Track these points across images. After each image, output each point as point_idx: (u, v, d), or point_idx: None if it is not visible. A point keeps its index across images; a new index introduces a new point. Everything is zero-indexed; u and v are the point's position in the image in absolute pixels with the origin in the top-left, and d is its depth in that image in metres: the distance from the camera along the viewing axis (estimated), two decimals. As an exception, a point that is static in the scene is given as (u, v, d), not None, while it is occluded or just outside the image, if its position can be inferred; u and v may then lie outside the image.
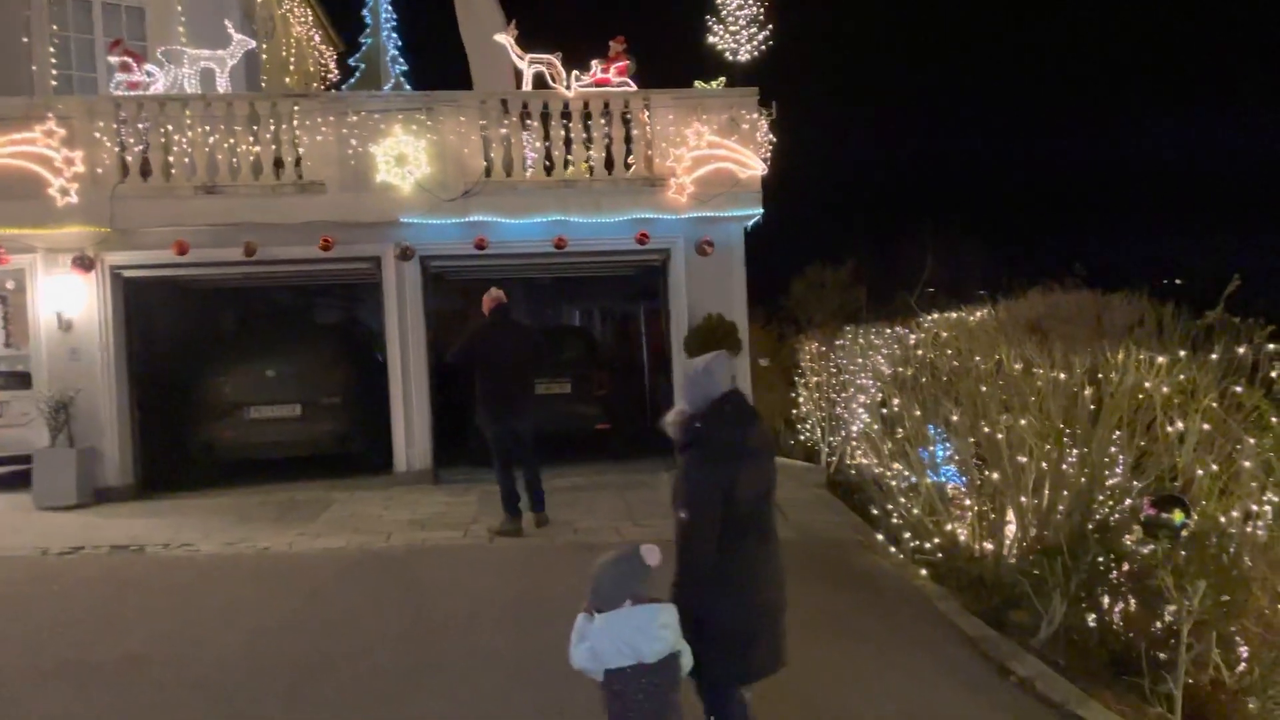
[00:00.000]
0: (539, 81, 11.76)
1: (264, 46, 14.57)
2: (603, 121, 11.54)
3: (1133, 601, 6.02)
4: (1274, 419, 6.09)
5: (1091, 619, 6.09)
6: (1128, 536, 6.20)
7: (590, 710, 3.79)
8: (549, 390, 11.62)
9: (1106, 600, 6.15)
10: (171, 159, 10.99)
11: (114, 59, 11.49)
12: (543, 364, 9.19)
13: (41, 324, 11.07)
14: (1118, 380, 6.91)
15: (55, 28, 13.21)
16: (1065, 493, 6.71)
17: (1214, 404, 6.64)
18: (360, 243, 11.41)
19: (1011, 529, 7.16)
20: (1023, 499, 6.91)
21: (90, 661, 5.98)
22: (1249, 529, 5.82)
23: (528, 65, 11.79)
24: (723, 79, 12.22)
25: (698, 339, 11.47)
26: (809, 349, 13.44)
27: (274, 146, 11.20)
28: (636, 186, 11.58)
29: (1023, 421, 6.86)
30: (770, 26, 12.22)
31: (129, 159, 10.93)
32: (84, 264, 10.90)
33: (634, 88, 11.74)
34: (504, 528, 8.77)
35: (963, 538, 7.61)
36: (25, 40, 13.02)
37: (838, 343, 11.97)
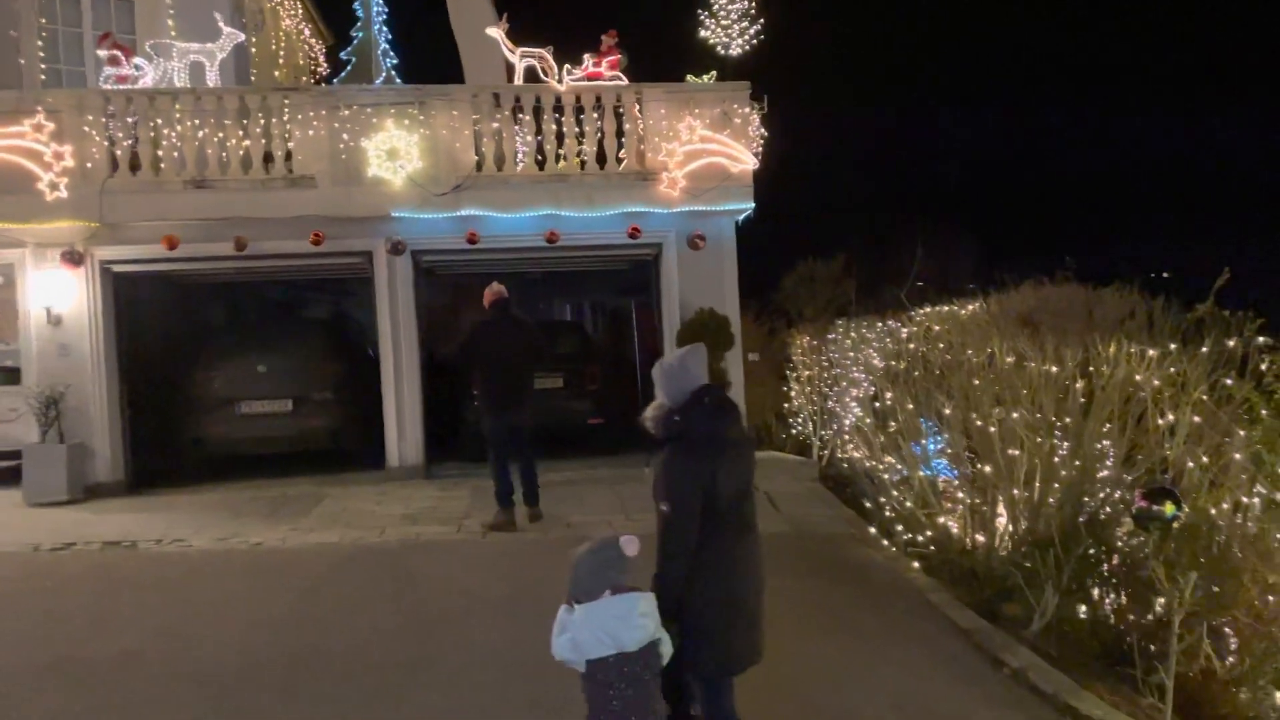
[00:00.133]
0: (531, 75, 11.73)
1: (253, 40, 14.49)
2: (595, 115, 11.52)
3: (1124, 593, 6.07)
4: (1264, 411, 6.13)
5: (1082, 610, 6.13)
6: (1119, 529, 6.25)
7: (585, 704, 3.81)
8: (541, 385, 11.58)
9: (1098, 592, 6.19)
10: (161, 153, 10.93)
11: (103, 52, 11.41)
12: (542, 358, 9.21)
13: (31, 319, 11.02)
14: (1109, 373, 6.95)
15: (43, 21, 13.10)
16: (1057, 485, 6.75)
17: (1204, 397, 6.69)
18: (351, 237, 11.38)
19: (1002, 521, 7.21)
20: (1015, 492, 6.95)
21: (85, 657, 5.96)
22: (1238, 521, 5.87)
23: (519, 59, 11.77)
24: (714, 73, 12.22)
25: (690, 334, 11.48)
26: (800, 343, 13.47)
27: (264, 141, 11.15)
28: (628, 181, 11.57)
29: (1015, 415, 6.90)
30: (762, 21, 12.20)
31: (118, 153, 10.86)
32: (73, 259, 10.84)
33: (626, 82, 11.74)
34: (496, 520, 8.78)
35: (955, 531, 7.65)
36: (13, 34, 12.92)
37: (829, 337, 12.00)
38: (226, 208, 10.96)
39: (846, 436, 10.31)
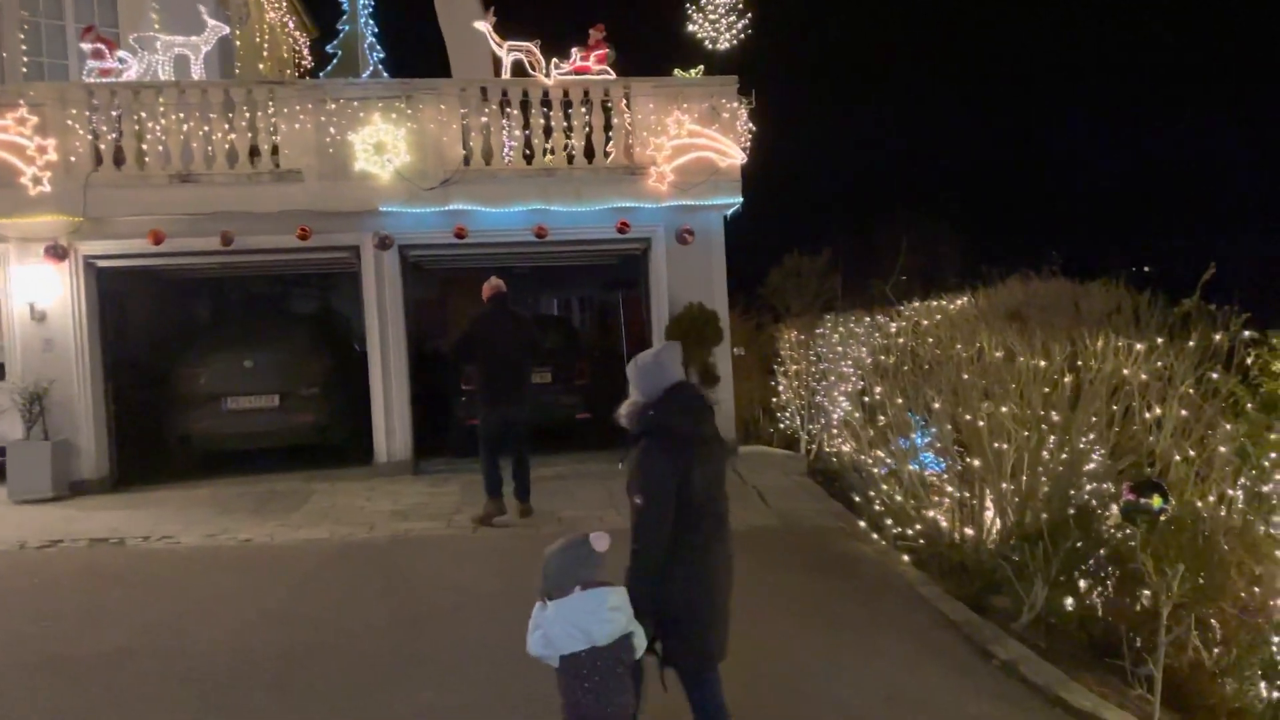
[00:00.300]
0: (518, 69, 11.70)
1: (237, 33, 14.39)
2: (583, 110, 11.51)
3: (1112, 586, 6.13)
4: (1249, 405, 6.20)
5: (1069, 602, 6.18)
6: (1106, 521, 6.31)
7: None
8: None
9: (1086, 584, 6.25)
10: (146, 147, 10.86)
11: (86, 45, 11.31)
12: (539, 353, 9.24)
13: (14, 315, 10.92)
14: (1096, 367, 7.01)
15: (25, 14, 12.98)
16: (1045, 479, 6.80)
17: (1191, 390, 6.76)
18: (339, 232, 11.33)
19: (990, 515, 7.26)
20: (1003, 485, 7.00)
21: (76, 655, 5.93)
22: (1223, 513, 5.93)
23: (507, 53, 11.72)
24: (701, 67, 12.23)
25: (679, 328, 11.50)
26: (788, 337, 13.51)
27: (250, 134, 11.09)
28: (617, 175, 11.57)
29: (1003, 409, 6.95)
30: (749, 15, 12.22)
31: (102, 147, 10.78)
32: (57, 254, 10.75)
33: (614, 76, 11.72)
34: (485, 511, 8.81)
35: (944, 524, 7.70)
36: (-6, 26, 12.81)
37: (818, 331, 12.03)
38: (212, 202, 10.89)
39: (835, 431, 10.34)
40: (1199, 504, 6.04)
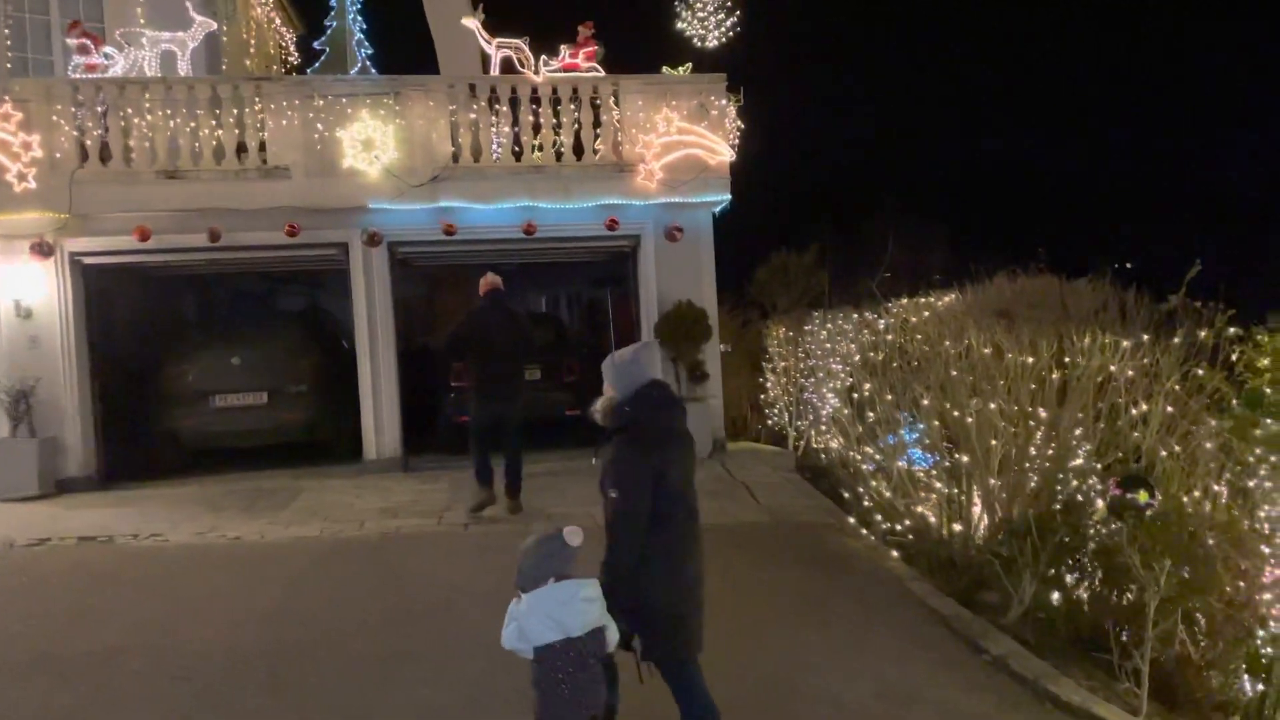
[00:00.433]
0: (507, 66, 11.69)
1: (224, 29, 14.31)
2: (572, 107, 11.51)
3: (1099, 580, 6.19)
4: (1234, 401, 6.27)
5: (1057, 596, 6.24)
6: (1093, 516, 6.37)
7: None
8: (519, 376, 11.62)
9: (1074, 579, 6.31)
10: (132, 143, 10.79)
11: (72, 41, 11.23)
12: (532, 350, 9.28)
13: (0, 312, 10.83)
14: (1083, 364, 7.08)
15: (10, 9, 12.85)
16: (1032, 474, 6.86)
17: (1176, 387, 6.83)
18: (327, 229, 11.29)
19: (978, 510, 7.32)
20: (991, 481, 7.06)
21: (67, 654, 5.91)
22: (1208, 508, 6.01)
23: (495, 50, 11.72)
24: (689, 65, 12.25)
25: (668, 326, 11.54)
26: (777, 334, 13.55)
27: (237, 131, 11.05)
28: (606, 172, 11.58)
29: (992, 405, 7.01)
30: (738, 13, 12.25)
31: (88, 143, 10.72)
32: (43, 251, 10.67)
33: (602, 73, 11.72)
34: (477, 500, 8.91)
35: (932, 520, 7.76)
36: (-22, 22, 12.69)
37: (806, 328, 12.08)
38: (199, 199, 10.84)
39: (824, 427, 10.40)
40: (1185, 499, 6.12)
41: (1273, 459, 5.52)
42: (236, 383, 11.59)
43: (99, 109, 10.74)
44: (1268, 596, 5.28)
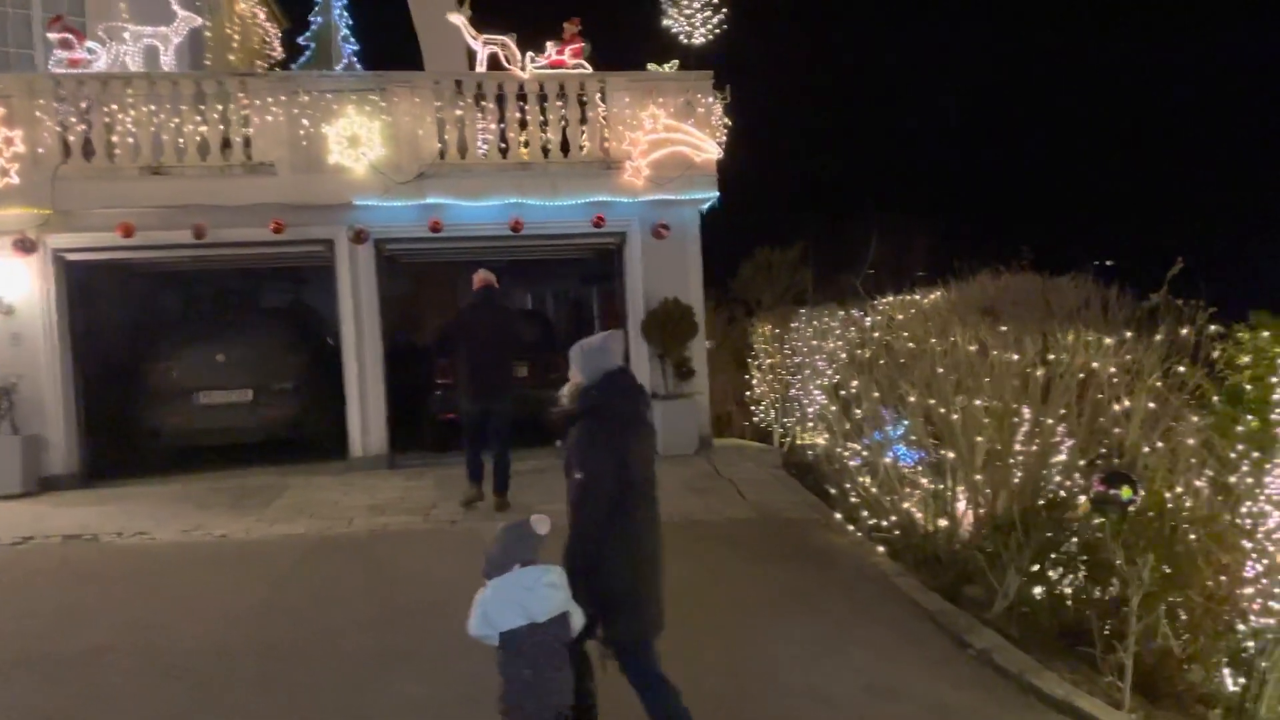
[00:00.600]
0: (493, 63, 11.67)
1: (207, 24, 14.20)
2: (559, 104, 11.51)
3: (1082, 575, 6.26)
4: (1215, 398, 6.35)
5: (1039, 591, 6.31)
6: (1076, 511, 6.44)
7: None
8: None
9: (1057, 574, 6.38)
10: (115, 139, 10.71)
11: (54, 35, 11.13)
12: (523, 347, 9.31)
13: (-18, 308, 10.74)
14: (1067, 361, 7.15)
15: (-10, 3, 12.75)
16: (1017, 470, 6.93)
17: (1158, 383, 6.91)
18: (313, 225, 11.24)
19: (963, 506, 7.39)
20: (976, 477, 7.12)
21: (55, 653, 5.89)
22: (1189, 504, 6.08)
23: (481, 46, 11.70)
24: (676, 62, 12.26)
25: (655, 323, 11.56)
26: (762, 331, 13.60)
27: (222, 127, 10.97)
28: (593, 169, 11.58)
29: (977, 402, 7.07)
30: (724, 10, 12.27)
31: (71, 139, 10.63)
32: (25, 247, 10.58)
33: (589, 70, 11.72)
34: (466, 495, 9.09)
35: (918, 516, 7.82)
36: (-42, 16, 12.56)
37: (792, 325, 12.12)
38: (184, 195, 10.78)
39: (810, 423, 10.46)
40: (1167, 495, 6.19)
41: (1253, 455, 5.60)
42: (221, 380, 11.55)
43: (82, 104, 10.66)
44: (1249, 591, 5.37)
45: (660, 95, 11.62)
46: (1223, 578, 5.62)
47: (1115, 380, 7.06)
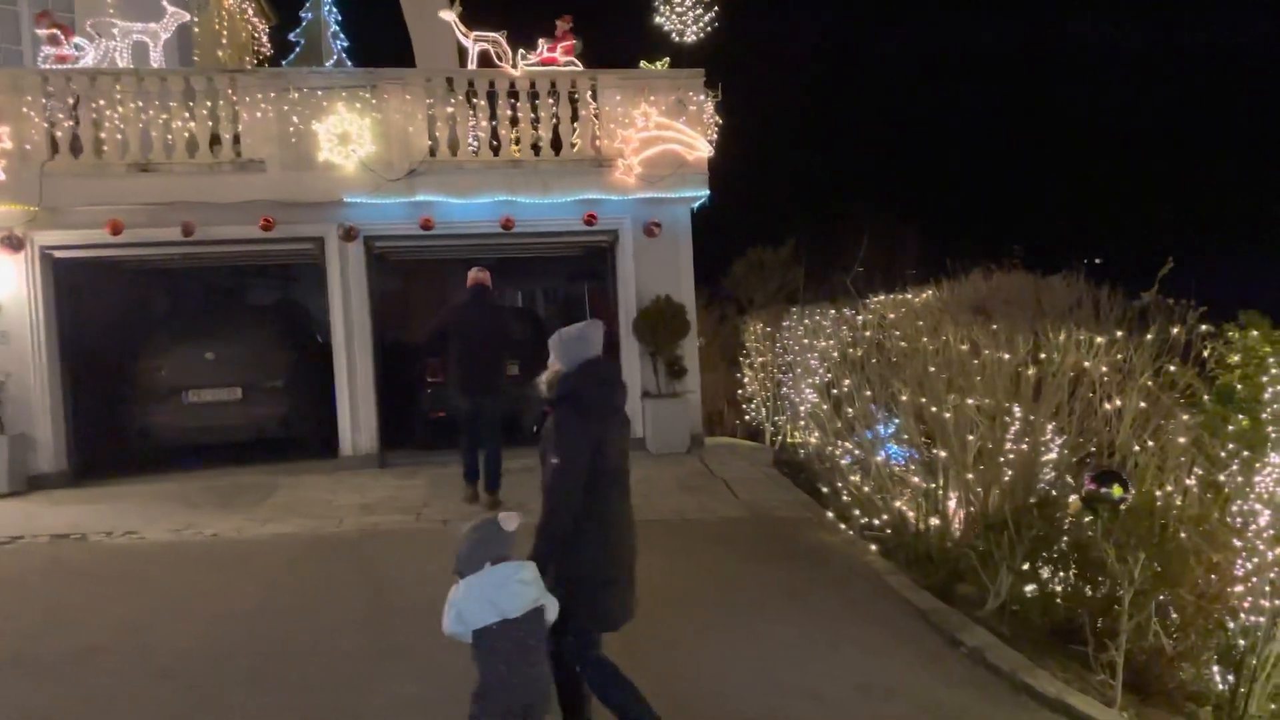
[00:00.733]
0: (484, 60, 11.64)
1: (196, 19, 14.14)
2: (550, 101, 11.48)
3: (1074, 573, 6.28)
4: (1205, 397, 6.38)
5: (1030, 589, 6.33)
6: (1067, 509, 6.46)
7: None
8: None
9: (1049, 572, 6.40)
10: (104, 136, 10.66)
11: (41, 31, 11.04)
12: (513, 346, 9.31)
13: (-32, 306, 10.66)
14: (1058, 360, 7.17)
15: (-24, -2, 12.66)
16: (1008, 469, 6.95)
17: (1149, 382, 6.94)
18: (303, 223, 11.20)
19: (954, 504, 7.41)
20: (968, 475, 7.14)
21: (45, 652, 5.85)
22: (1179, 502, 6.11)
23: (473, 43, 11.66)
24: (667, 59, 12.26)
25: (646, 321, 11.55)
26: (754, 330, 13.61)
27: (211, 123, 10.93)
28: (584, 167, 11.57)
29: (969, 401, 7.08)
30: (715, 8, 12.26)
31: (59, 135, 10.58)
32: (13, 244, 10.51)
33: (581, 67, 11.71)
34: (466, 495, 9.17)
35: (909, 515, 7.84)
36: (-56, 10, 12.47)
37: (784, 324, 12.13)
38: (172, 192, 10.73)
39: (801, 422, 10.46)
40: (1158, 493, 6.22)
41: (1244, 454, 5.63)
42: (210, 378, 11.49)
43: (69, 100, 10.60)
44: (1239, 589, 5.39)
45: (652, 93, 11.62)
46: (1213, 576, 5.65)
47: (1106, 379, 7.09)
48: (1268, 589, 5.28)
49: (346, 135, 10.88)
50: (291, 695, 5.29)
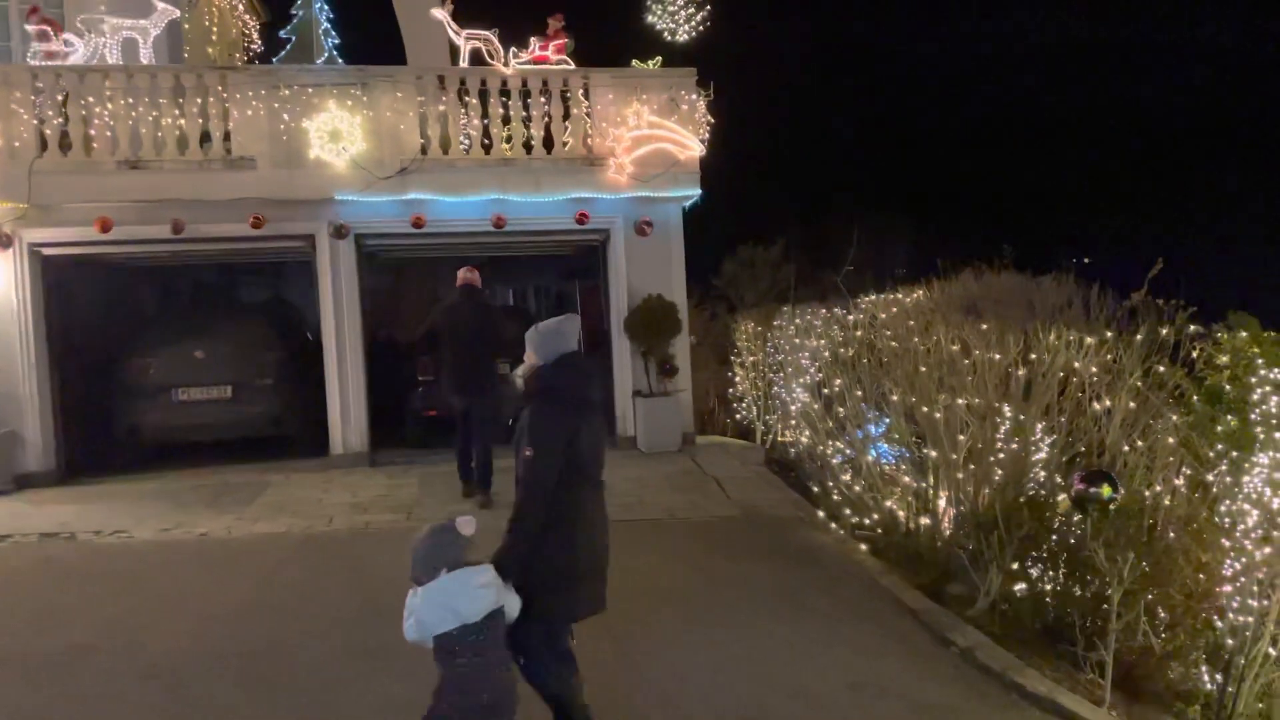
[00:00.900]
0: (476, 58, 11.62)
1: (186, 16, 14.07)
2: (542, 100, 11.47)
3: (1063, 573, 6.31)
4: (1194, 397, 6.41)
5: (1020, 588, 6.36)
6: (1057, 509, 6.49)
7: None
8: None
9: (1039, 572, 6.43)
10: (93, 132, 10.59)
11: (31, 27, 10.98)
12: (503, 345, 9.30)
13: (-44, 304, 10.60)
14: (1048, 360, 7.20)
15: (-35, -7, 12.58)
16: (998, 469, 6.97)
17: (1139, 383, 6.97)
18: (293, 220, 11.16)
19: (944, 504, 7.43)
20: (958, 475, 7.16)
21: (34, 652, 5.82)
22: (1168, 502, 6.14)
23: (464, 41, 11.64)
24: (659, 58, 12.25)
25: (638, 320, 11.55)
26: (745, 329, 13.62)
27: (201, 120, 10.88)
28: (576, 166, 11.56)
29: (959, 400, 7.11)
30: (708, 7, 12.26)
31: (48, 132, 10.50)
32: (1, 241, 10.46)
33: (573, 66, 11.70)
34: (464, 492, 9.20)
35: (900, 514, 7.86)
36: (-68, 6, 12.39)
37: (775, 323, 12.15)
38: (162, 189, 10.67)
39: (792, 421, 10.48)
40: (1147, 493, 6.25)
41: (1232, 454, 5.66)
42: (200, 376, 11.43)
43: (59, 97, 10.53)
44: (1227, 589, 5.42)
45: (644, 92, 11.61)
46: (1201, 576, 5.68)
47: (1096, 379, 7.12)
48: (1255, 589, 5.31)
49: (337, 133, 10.84)
50: (280, 695, 5.28)
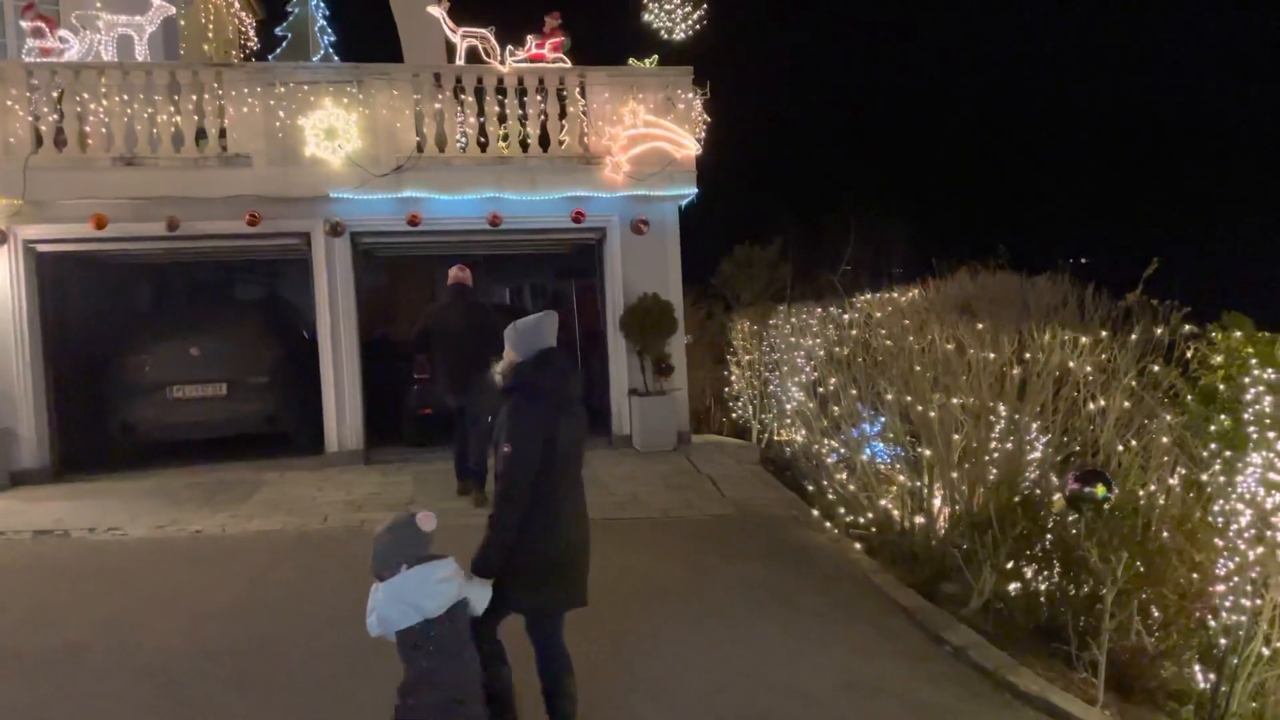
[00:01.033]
0: (472, 56, 11.60)
1: (182, 13, 14.04)
2: (538, 98, 11.47)
3: (1057, 572, 6.32)
4: (1189, 397, 6.41)
5: (1014, 587, 6.37)
6: (1051, 508, 6.50)
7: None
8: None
9: (1033, 571, 6.44)
10: (88, 129, 10.58)
11: (26, 23, 10.95)
12: (496, 343, 9.28)
13: (-49, 300, 10.57)
14: (1043, 359, 7.21)
15: (-40, -11, 12.55)
16: (993, 468, 6.98)
17: (1133, 383, 6.98)
18: (289, 218, 11.14)
19: (939, 503, 7.44)
20: (953, 474, 7.17)
21: (27, 650, 5.82)
22: (1162, 501, 6.15)
23: (461, 39, 11.62)
24: (655, 57, 12.25)
25: (634, 319, 11.55)
26: (741, 328, 13.62)
27: (196, 117, 10.86)
28: (572, 164, 11.56)
29: (954, 400, 7.12)
30: (704, 6, 12.26)
31: (43, 129, 10.50)
32: (-5, 238, 10.44)
33: (569, 64, 11.69)
34: (459, 489, 9.26)
35: (895, 513, 7.87)
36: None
37: (771, 322, 12.15)
38: (157, 186, 10.66)
39: (788, 420, 10.49)
40: (1140, 493, 6.26)
41: (1226, 454, 5.66)
42: (195, 374, 11.41)
43: (54, 93, 10.52)
44: (1221, 588, 5.42)
45: (640, 90, 11.62)
46: (1195, 575, 5.69)
47: (1091, 379, 7.13)
48: (1249, 588, 5.31)
49: (333, 130, 10.83)
50: (274, 693, 5.28)
